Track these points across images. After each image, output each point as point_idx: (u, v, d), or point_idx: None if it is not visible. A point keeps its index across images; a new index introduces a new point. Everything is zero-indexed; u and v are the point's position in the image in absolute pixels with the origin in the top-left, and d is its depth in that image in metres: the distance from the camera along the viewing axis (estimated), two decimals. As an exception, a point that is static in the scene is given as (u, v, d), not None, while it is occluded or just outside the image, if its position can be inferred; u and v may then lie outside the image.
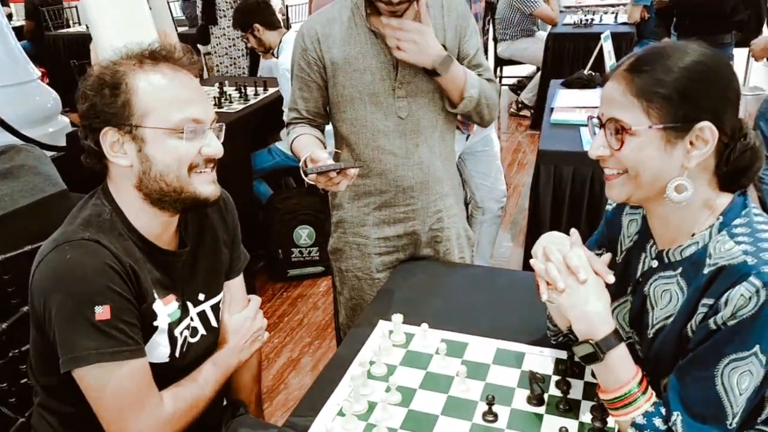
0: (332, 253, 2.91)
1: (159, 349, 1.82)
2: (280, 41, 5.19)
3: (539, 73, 8.13)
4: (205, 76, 7.51)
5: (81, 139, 1.78)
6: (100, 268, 1.65)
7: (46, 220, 1.85)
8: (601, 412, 1.69)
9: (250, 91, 5.39)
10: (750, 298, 1.39)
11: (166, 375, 1.84)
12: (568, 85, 5.00)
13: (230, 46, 7.29)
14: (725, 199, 1.58)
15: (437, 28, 2.56)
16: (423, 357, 2.03)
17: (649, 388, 1.58)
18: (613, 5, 9.49)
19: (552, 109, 4.42)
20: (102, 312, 1.63)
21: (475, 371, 1.94)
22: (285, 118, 4.74)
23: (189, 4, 10.26)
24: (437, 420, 1.78)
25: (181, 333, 1.88)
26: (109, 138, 1.71)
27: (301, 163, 2.35)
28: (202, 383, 1.89)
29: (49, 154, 3.06)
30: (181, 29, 8.16)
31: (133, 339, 1.69)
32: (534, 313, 2.13)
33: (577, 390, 1.84)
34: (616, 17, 8.26)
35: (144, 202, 1.77)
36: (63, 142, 4.29)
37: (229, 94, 5.26)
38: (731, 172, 1.57)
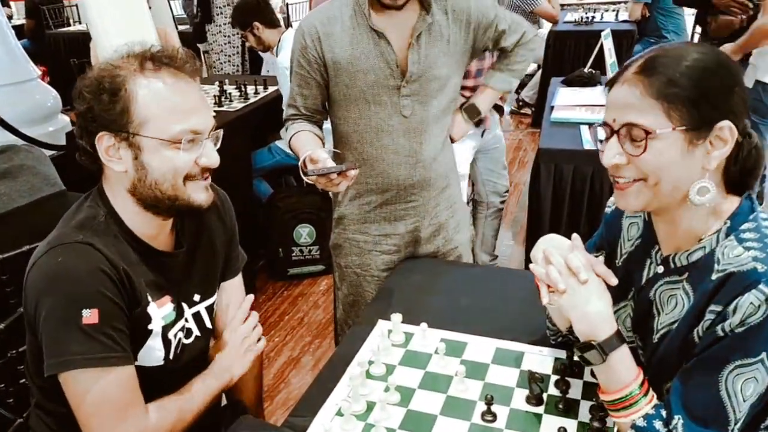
0: (333, 248, 2.92)
1: (153, 352, 1.81)
2: (280, 40, 5.19)
3: (540, 71, 8.12)
4: (205, 74, 7.49)
5: (76, 138, 1.76)
6: (92, 272, 1.64)
7: (44, 220, 1.84)
8: (600, 412, 1.68)
9: (251, 89, 5.39)
10: (759, 306, 1.37)
11: (160, 378, 1.84)
12: (568, 83, 4.99)
13: (226, 44, 7.30)
14: (732, 203, 1.56)
15: (441, 26, 2.57)
16: (422, 357, 2.03)
17: (651, 390, 1.57)
18: (614, 3, 9.48)
19: (552, 108, 4.41)
20: (89, 316, 1.62)
21: (474, 371, 1.94)
22: (284, 114, 4.76)
23: (189, 2, 10.26)
24: (436, 420, 1.77)
25: (175, 335, 1.87)
26: (104, 142, 1.70)
27: (300, 163, 2.35)
28: (188, 397, 1.87)
29: (49, 153, 3.05)
30: (181, 27, 8.14)
31: (121, 346, 1.68)
32: (533, 312, 2.13)
33: (576, 390, 1.84)
34: (616, 15, 8.25)
35: (138, 206, 1.76)
36: (63, 141, 4.29)
37: (230, 93, 5.25)
38: (739, 172, 1.56)
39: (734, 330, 1.41)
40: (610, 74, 3.99)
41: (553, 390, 1.85)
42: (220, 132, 1.85)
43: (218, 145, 1.83)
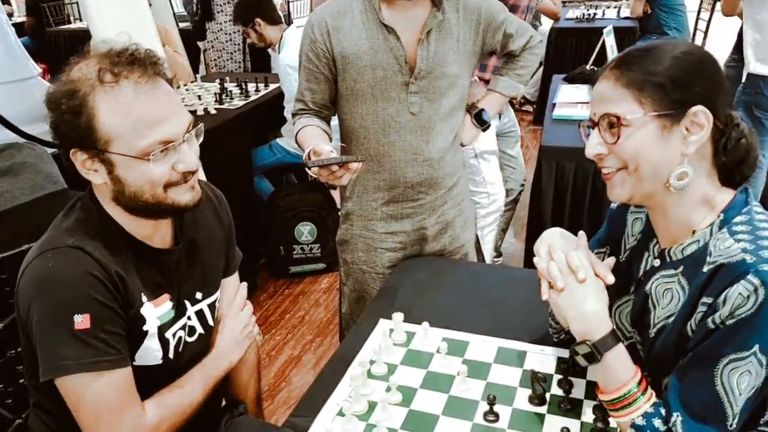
0: (339, 244, 2.92)
1: (151, 352, 1.80)
2: (281, 37, 5.18)
3: (541, 68, 8.11)
4: (203, 72, 7.48)
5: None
6: (82, 277, 1.62)
7: (45, 218, 1.82)
8: (603, 411, 1.67)
9: (251, 87, 5.38)
10: (748, 296, 1.38)
11: (160, 377, 1.83)
12: (570, 80, 4.98)
13: (227, 41, 7.29)
14: (727, 196, 1.57)
15: (452, 23, 2.57)
16: (424, 356, 2.02)
17: (649, 388, 1.57)
18: (615, -1, 9.46)
19: (554, 105, 4.41)
20: (82, 321, 1.61)
21: (476, 370, 1.93)
22: (290, 110, 4.77)
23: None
24: (438, 420, 1.77)
25: (174, 334, 1.86)
26: (78, 157, 1.67)
27: (304, 156, 2.34)
28: (188, 390, 1.86)
29: (50, 150, 3.04)
30: (182, 24, 8.12)
31: (116, 348, 1.67)
32: (536, 310, 2.12)
33: (579, 389, 1.83)
34: (618, 12, 8.24)
35: (125, 211, 1.74)
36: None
37: (230, 90, 5.24)
38: (730, 163, 1.57)
39: (725, 322, 1.41)
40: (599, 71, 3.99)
41: (556, 390, 1.84)
42: (201, 127, 1.80)
43: (201, 139, 1.80)
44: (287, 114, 4.96)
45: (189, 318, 1.92)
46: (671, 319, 1.59)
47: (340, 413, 1.79)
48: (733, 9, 4.77)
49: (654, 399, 1.55)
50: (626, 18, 7.89)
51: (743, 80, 4.46)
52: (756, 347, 1.39)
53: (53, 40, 9.58)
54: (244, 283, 2.15)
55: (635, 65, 1.53)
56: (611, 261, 1.74)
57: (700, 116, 1.49)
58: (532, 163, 4.38)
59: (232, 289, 2.15)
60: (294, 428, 1.77)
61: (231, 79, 5.63)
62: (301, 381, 3.89)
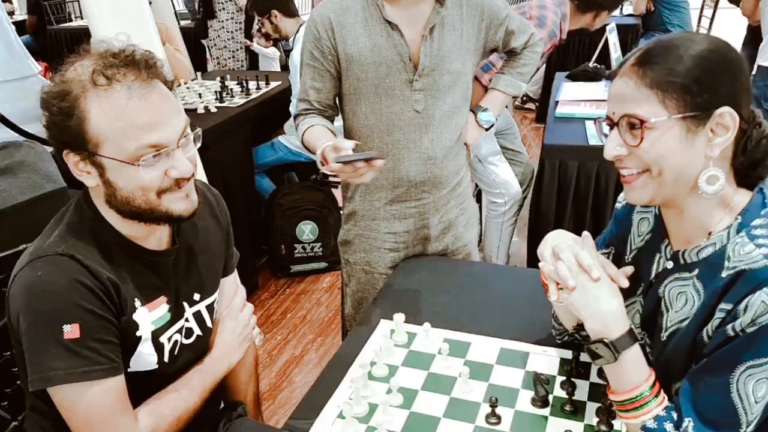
0: (342, 244, 2.90)
1: (145, 358, 1.78)
2: (297, 30, 5.15)
3: (544, 66, 8.08)
4: (210, 69, 7.48)
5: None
6: (71, 286, 1.60)
7: (44, 218, 1.80)
8: (607, 414, 1.66)
9: (252, 85, 5.36)
10: None
11: (155, 381, 1.82)
12: (573, 77, 4.96)
13: (229, 39, 7.28)
14: (743, 197, 1.54)
15: (454, 20, 2.55)
16: (425, 357, 2.01)
17: (662, 391, 1.54)
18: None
19: (557, 103, 4.39)
20: (71, 331, 1.58)
21: (478, 372, 1.92)
22: (293, 109, 4.73)
23: (191, -3, 10.25)
24: (439, 422, 1.75)
25: (170, 338, 1.83)
26: (71, 159, 1.65)
27: (319, 153, 2.29)
28: (185, 394, 1.84)
29: (50, 149, 3.03)
30: (184, 23, 8.12)
31: (107, 357, 1.64)
32: (538, 311, 2.12)
33: (582, 391, 1.82)
34: (621, 9, 8.20)
35: (119, 215, 1.72)
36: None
37: (231, 89, 5.22)
38: (748, 163, 1.53)
39: (745, 329, 1.38)
40: (616, 66, 3.97)
41: (559, 391, 1.83)
42: (198, 131, 1.77)
43: (198, 144, 1.77)
44: (292, 109, 4.91)
45: (186, 320, 1.90)
46: (685, 324, 1.56)
47: (341, 416, 1.77)
48: (752, 10, 4.79)
49: (666, 403, 1.52)
50: (629, 15, 7.86)
51: (753, 73, 4.47)
52: None
53: (54, 39, 9.56)
54: (242, 286, 2.14)
55: (658, 64, 1.47)
56: (629, 270, 1.70)
57: (727, 118, 1.45)
58: (534, 161, 4.37)
59: (231, 290, 2.13)
60: (294, 431, 1.76)
61: (232, 77, 5.62)
62: (303, 381, 3.88)
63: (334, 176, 5.14)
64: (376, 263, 2.80)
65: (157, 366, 1.81)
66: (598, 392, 1.78)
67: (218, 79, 5.42)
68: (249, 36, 7.37)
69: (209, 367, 1.94)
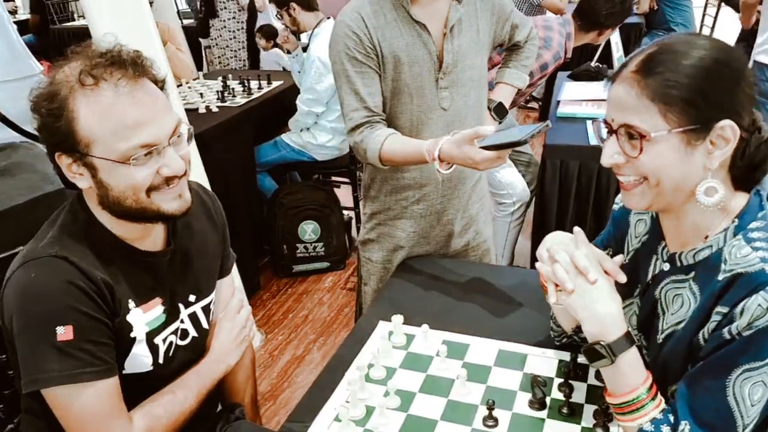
0: (363, 243, 2.90)
1: (140, 359, 1.78)
2: (317, 25, 5.12)
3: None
4: (206, 70, 7.48)
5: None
6: (64, 288, 1.59)
7: (42, 219, 1.80)
8: (603, 417, 1.66)
9: (254, 84, 5.36)
10: (767, 308, 1.34)
11: (151, 383, 1.81)
12: (575, 77, 4.96)
13: (231, 39, 7.28)
14: (740, 200, 1.53)
15: (470, 16, 2.55)
16: (423, 359, 2.00)
17: (659, 394, 1.54)
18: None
19: (558, 103, 4.38)
20: (64, 333, 1.58)
21: (476, 374, 1.91)
22: (303, 100, 4.74)
23: (193, -5, 10.25)
24: (436, 425, 1.75)
25: (165, 339, 1.83)
26: (63, 161, 1.65)
27: (438, 147, 2.21)
28: (181, 397, 1.84)
29: (48, 150, 3.04)
30: (186, 22, 8.12)
31: (101, 359, 1.64)
32: (537, 312, 2.12)
33: (579, 393, 1.81)
34: (624, 7, 8.19)
35: (113, 216, 1.71)
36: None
37: (232, 88, 5.23)
38: (746, 167, 1.52)
39: (741, 333, 1.38)
40: (617, 68, 3.97)
41: (556, 393, 1.82)
42: (191, 129, 1.77)
43: (191, 142, 1.77)
44: (300, 104, 4.94)
45: (182, 321, 1.90)
46: (681, 326, 1.55)
47: (337, 419, 1.77)
48: (749, 22, 4.84)
49: (663, 405, 1.52)
50: (632, 14, 7.84)
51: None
52: None
53: (57, 38, 9.56)
54: (240, 286, 2.13)
55: (660, 74, 1.44)
56: (619, 259, 1.69)
57: (728, 131, 1.43)
58: (537, 160, 4.37)
59: (228, 291, 2.13)
60: (290, 434, 1.75)
61: (234, 76, 5.62)
62: (304, 381, 3.88)
63: (337, 176, 5.14)
64: (397, 261, 2.80)
65: (152, 367, 1.81)
66: (596, 394, 1.78)
67: (220, 78, 5.43)
68: (251, 35, 7.37)
69: (206, 369, 1.94)
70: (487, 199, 2.94)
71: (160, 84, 1.72)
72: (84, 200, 1.74)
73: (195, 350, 1.96)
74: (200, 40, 7.65)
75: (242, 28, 7.23)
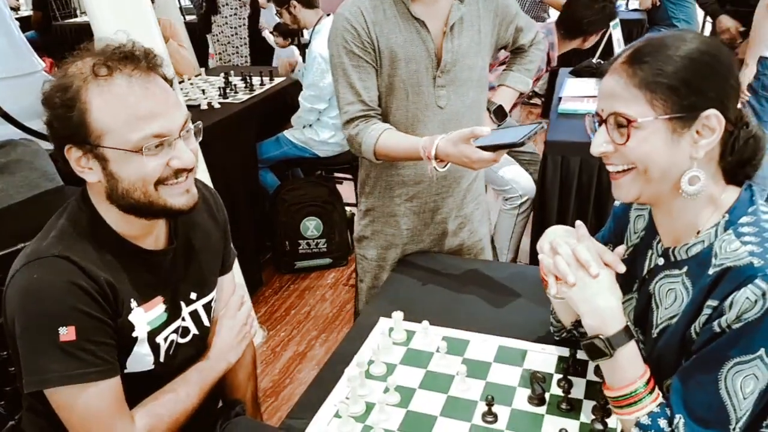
0: (358, 240, 2.90)
1: (142, 358, 1.79)
2: (317, 22, 5.13)
3: (549, 61, 8.08)
4: (213, 65, 7.47)
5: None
6: (67, 288, 1.60)
7: (41, 217, 1.80)
8: (602, 412, 1.67)
9: (256, 81, 5.36)
10: (756, 301, 1.35)
11: (152, 382, 1.82)
12: (576, 73, 4.96)
13: (233, 35, 7.27)
14: (731, 194, 1.54)
15: (472, 16, 2.55)
16: (423, 355, 2.00)
17: (656, 388, 1.55)
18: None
19: (560, 99, 4.38)
20: (67, 333, 1.59)
21: (475, 370, 1.92)
22: (305, 97, 4.73)
23: (196, -8, 10.24)
24: (436, 421, 1.75)
25: (166, 338, 1.84)
26: (73, 154, 1.65)
27: (435, 144, 2.21)
28: (183, 395, 1.84)
29: (47, 147, 3.03)
30: (189, 17, 8.11)
31: (103, 359, 1.65)
32: (537, 308, 2.12)
33: (578, 389, 1.82)
34: (627, 3, 8.19)
35: (120, 211, 1.71)
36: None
37: (234, 84, 5.23)
38: (736, 162, 1.54)
39: (731, 326, 1.39)
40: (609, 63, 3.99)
41: (555, 389, 1.82)
42: (199, 124, 1.79)
43: (200, 138, 1.79)
44: (302, 100, 4.94)
45: (183, 319, 1.91)
46: (674, 320, 1.57)
47: (337, 415, 1.77)
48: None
49: (660, 399, 1.53)
50: (635, 10, 7.85)
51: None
52: (762, 351, 1.38)
53: (60, 34, 9.57)
54: (242, 282, 2.13)
55: (647, 63, 1.47)
56: (621, 249, 1.69)
57: (713, 120, 1.45)
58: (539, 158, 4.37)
59: (229, 288, 2.13)
60: (290, 430, 1.76)
61: (236, 72, 5.62)
62: (306, 377, 3.88)
63: (339, 172, 5.13)
64: (392, 259, 2.80)
65: (153, 366, 1.81)
66: (594, 390, 1.78)
67: (222, 75, 5.43)
68: (254, 30, 7.37)
69: (207, 366, 1.95)
70: (483, 198, 2.94)
71: (169, 82, 1.73)
72: (88, 198, 1.74)
73: (196, 348, 1.96)
74: (207, 36, 7.63)
75: (244, 24, 7.22)
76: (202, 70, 5.92)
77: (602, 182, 3.60)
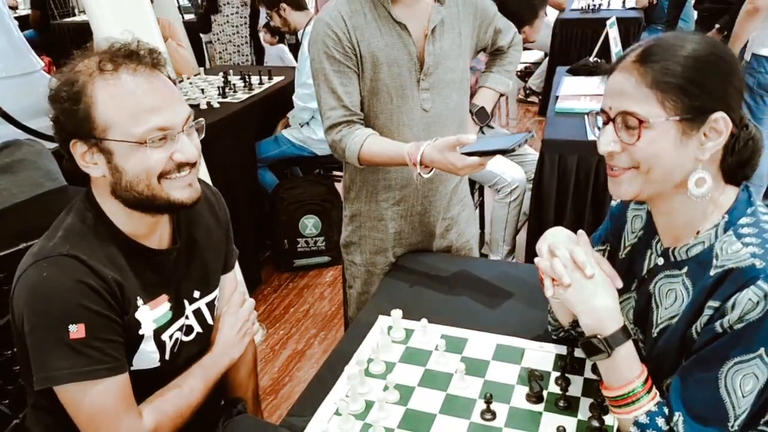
0: (345, 246, 2.89)
1: (148, 355, 1.81)
2: (308, 23, 5.13)
3: (547, 59, 8.09)
4: (208, 65, 7.48)
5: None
6: (76, 286, 1.62)
7: (44, 216, 1.82)
8: (599, 410, 1.68)
9: (255, 80, 5.36)
10: (758, 302, 1.37)
11: (157, 379, 1.84)
12: (573, 72, 4.96)
13: (234, 34, 7.26)
14: (730, 195, 1.56)
15: (452, 18, 2.55)
16: (422, 353, 2.02)
17: (654, 387, 1.56)
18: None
19: (557, 98, 4.39)
20: (76, 331, 1.61)
21: (474, 368, 1.93)
22: (299, 95, 4.74)
23: (195, -9, 10.23)
24: (435, 419, 1.76)
25: (171, 336, 1.86)
26: (78, 149, 1.68)
27: (421, 150, 2.23)
28: (187, 391, 1.87)
29: (51, 146, 3.04)
30: (187, 16, 8.12)
31: (111, 356, 1.67)
32: (535, 307, 2.13)
33: (576, 387, 1.83)
34: (623, 2, 8.19)
35: (124, 207, 1.74)
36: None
37: (233, 84, 5.24)
38: (735, 163, 1.55)
39: (733, 326, 1.41)
40: (614, 61, 3.99)
41: (553, 387, 1.83)
42: (202, 122, 1.81)
43: (202, 135, 1.81)
44: (296, 99, 4.96)
45: (186, 317, 1.93)
46: (675, 320, 1.58)
47: (337, 412, 1.79)
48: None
49: (658, 398, 1.55)
50: (632, 8, 7.85)
51: (747, 60, 4.73)
52: (762, 350, 1.39)
53: (58, 33, 9.57)
54: (242, 280, 2.15)
55: (658, 63, 1.47)
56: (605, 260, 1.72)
57: (720, 123, 1.46)
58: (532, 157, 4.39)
59: (231, 286, 2.16)
60: (291, 428, 1.77)
61: (235, 72, 5.63)
62: (305, 375, 3.90)
63: (337, 170, 5.14)
64: (381, 263, 2.80)
65: (159, 364, 1.84)
66: (592, 388, 1.79)
67: (221, 74, 5.44)
68: (254, 30, 7.37)
69: (210, 363, 1.97)
70: (469, 200, 2.95)
71: (173, 81, 1.78)
72: (93, 197, 1.77)
73: (200, 346, 1.98)
74: (201, 35, 7.63)
75: (245, 23, 7.21)
76: (202, 69, 5.93)
77: (599, 180, 3.61)
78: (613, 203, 1.93)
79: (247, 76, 5.35)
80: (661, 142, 1.47)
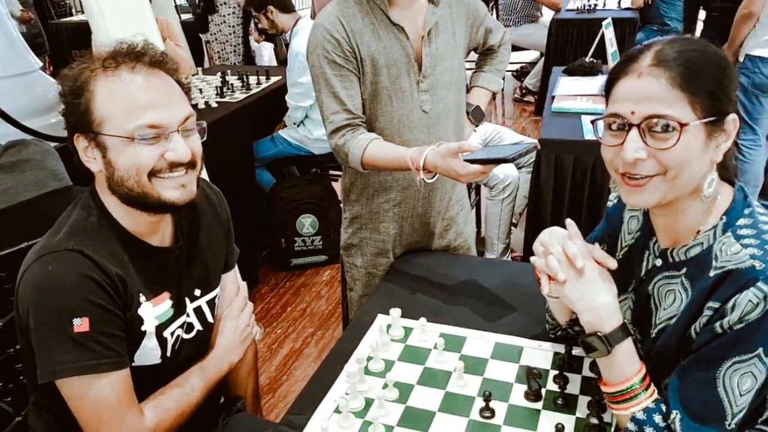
0: (345, 249, 2.89)
1: (150, 352, 1.82)
2: (294, 24, 5.17)
3: (543, 59, 8.09)
4: (207, 65, 7.48)
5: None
6: (80, 281, 1.64)
7: (50, 215, 1.83)
8: (597, 408, 1.68)
9: (252, 80, 5.38)
10: (758, 303, 1.38)
11: (158, 376, 1.86)
12: (569, 72, 4.97)
13: (230, 34, 7.27)
14: (726, 194, 1.57)
15: (446, 19, 2.58)
16: (421, 352, 2.03)
17: (652, 384, 1.57)
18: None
19: (553, 98, 4.40)
20: (80, 324, 1.63)
21: (473, 366, 1.94)
22: (291, 96, 4.73)
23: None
24: (434, 417, 1.78)
25: (172, 333, 1.88)
26: (80, 144, 1.72)
27: (424, 155, 2.24)
28: (188, 390, 1.89)
29: (53, 145, 3.05)
30: (185, 16, 8.11)
31: (114, 351, 1.69)
32: (533, 306, 2.14)
33: (574, 385, 1.84)
34: (619, 2, 8.19)
35: (122, 204, 1.76)
36: (64, 133, 4.27)
37: (231, 84, 5.25)
38: (724, 161, 1.56)
39: (732, 327, 1.41)
40: (611, 64, 3.99)
41: (551, 385, 1.85)
42: (203, 123, 1.82)
43: (204, 137, 1.82)
44: (289, 99, 5.00)
45: (187, 315, 1.94)
46: (673, 321, 1.59)
47: (337, 410, 1.80)
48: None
49: (656, 395, 1.56)
50: (627, 9, 7.84)
51: (742, 60, 4.86)
52: (760, 350, 1.40)
53: (56, 33, 9.54)
54: (244, 283, 2.17)
55: (683, 66, 1.44)
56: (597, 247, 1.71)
57: (730, 124, 1.48)
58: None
59: (232, 285, 2.17)
60: (291, 425, 1.78)
61: (232, 72, 5.64)
62: (303, 374, 3.91)
63: (334, 170, 5.16)
64: (381, 265, 2.81)
65: (160, 360, 1.85)
66: (590, 386, 1.81)
67: (219, 74, 5.45)
68: (247, 32, 7.38)
69: (211, 365, 1.99)
70: (466, 200, 2.96)
71: (182, 85, 1.81)
72: (97, 195, 1.79)
73: (200, 344, 2.00)
74: (200, 35, 7.64)
75: (241, 24, 7.22)
76: (199, 69, 5.94)
77: (596, 180, 3.62)
78: (609, 204, 1.93)
79: (245, 76, 5.36)
80: (693, 146, 1.45)
